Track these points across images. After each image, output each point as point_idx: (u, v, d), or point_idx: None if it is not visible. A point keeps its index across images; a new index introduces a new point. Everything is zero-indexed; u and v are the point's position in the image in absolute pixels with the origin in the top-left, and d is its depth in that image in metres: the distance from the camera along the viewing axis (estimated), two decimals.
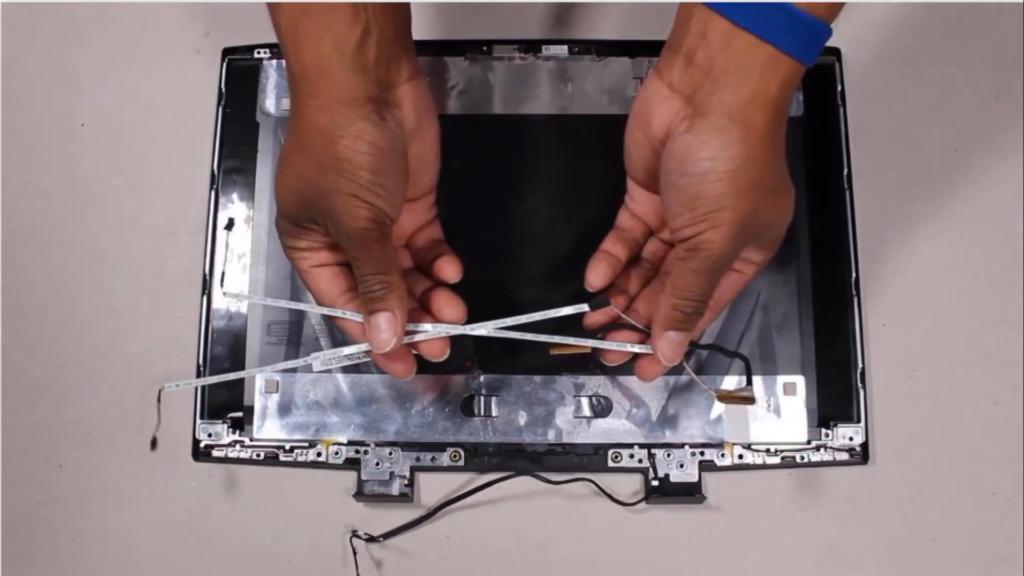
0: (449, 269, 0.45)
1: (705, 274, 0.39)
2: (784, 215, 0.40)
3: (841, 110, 0.55)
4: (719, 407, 0.51)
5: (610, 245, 0.46)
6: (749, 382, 0.46)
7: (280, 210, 0.41)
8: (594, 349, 0.44)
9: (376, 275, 0.40)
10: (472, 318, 0.44)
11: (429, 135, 0.43)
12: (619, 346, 0.44)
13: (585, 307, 0.44)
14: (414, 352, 0.44)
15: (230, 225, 0.54)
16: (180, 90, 0.57)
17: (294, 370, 0.51)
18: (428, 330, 0.43)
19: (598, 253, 0.45)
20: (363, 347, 0.43)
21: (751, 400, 0.46)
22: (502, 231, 0.53)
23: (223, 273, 0.53)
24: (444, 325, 0.43)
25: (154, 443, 0.47)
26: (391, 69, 0.40)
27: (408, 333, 0.42)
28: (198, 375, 0.52)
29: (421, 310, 0.44)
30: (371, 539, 0.50)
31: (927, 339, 0.54)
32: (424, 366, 0.44)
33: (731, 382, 0.51)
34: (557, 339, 0.44)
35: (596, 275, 0.45)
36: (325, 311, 0.43)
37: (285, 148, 0.40)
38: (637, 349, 0.44)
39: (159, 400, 0.46)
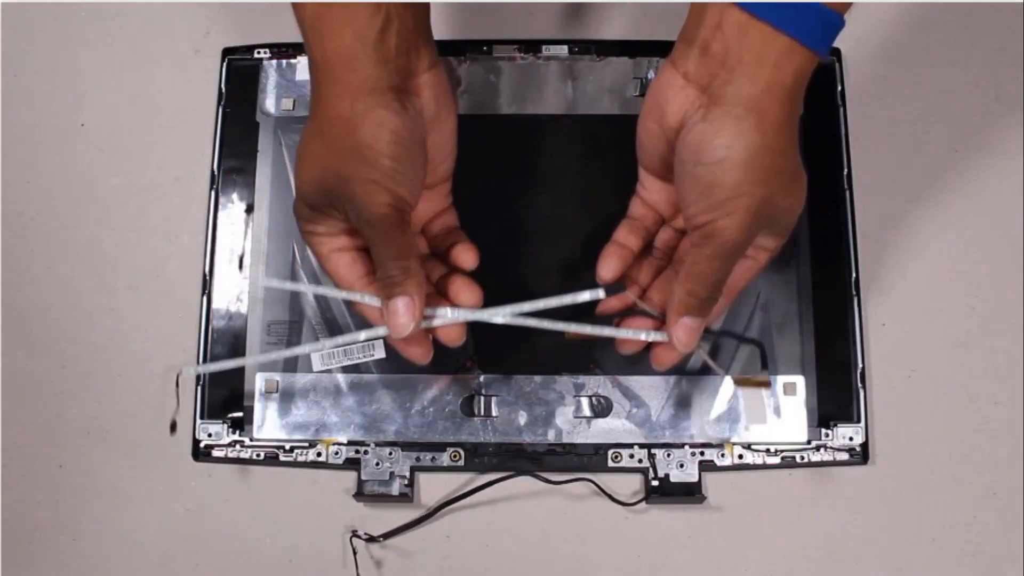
0: (466, 256, 0.45)
1: (720, 260, 0.39)
2: (797, 202, 0.41)
3: (841, 110, 0.55)
4: (720, 406, 0.51)
5: (622, 235, 0.46)
6: (764, 367, 0.46)
7: (299, 195, 0.42)
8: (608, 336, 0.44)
9: (395, 260, 0.40)
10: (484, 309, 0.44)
11: (447, 124, 0.43)
12: (635, 333, 0.44)
13: (601, 292, 0.44)
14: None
15: (250, 209, 0.54)
16: (180, 90, 0.57)
17: (295, 370, 0.51)
18: (445, 315, 0.43)
19: (609, 245, 0.45)
20: (381, 331, 0.43)
21: (767, 384, 0.46)
22: (508, 231, 0.53)
23: (248, 257, 0.53)
24: (461, 310, 0.43)
25: (174, 427, 0.47)
26: (411, 58, 0.40)
27: (425, 318, 0.43)
28: (198, 376, 0.52)
29: (437, 295, 0.45)
30: (371, 539, 0.50)
31: (927, 339, 0.53)
32: (423, 366, 0.44)
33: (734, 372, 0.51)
34: (573, 327, 0.44)
35: (607, 268, 0.45)
36: (345, 295, 0.43)
37: (305, 135, 0.41)
38: (653, 336, 0.44)
39: (177, 384, 0.46)
